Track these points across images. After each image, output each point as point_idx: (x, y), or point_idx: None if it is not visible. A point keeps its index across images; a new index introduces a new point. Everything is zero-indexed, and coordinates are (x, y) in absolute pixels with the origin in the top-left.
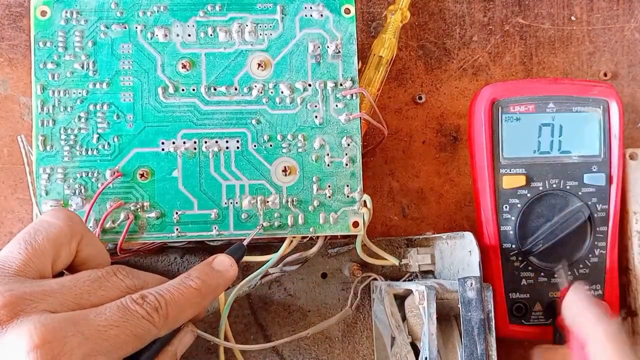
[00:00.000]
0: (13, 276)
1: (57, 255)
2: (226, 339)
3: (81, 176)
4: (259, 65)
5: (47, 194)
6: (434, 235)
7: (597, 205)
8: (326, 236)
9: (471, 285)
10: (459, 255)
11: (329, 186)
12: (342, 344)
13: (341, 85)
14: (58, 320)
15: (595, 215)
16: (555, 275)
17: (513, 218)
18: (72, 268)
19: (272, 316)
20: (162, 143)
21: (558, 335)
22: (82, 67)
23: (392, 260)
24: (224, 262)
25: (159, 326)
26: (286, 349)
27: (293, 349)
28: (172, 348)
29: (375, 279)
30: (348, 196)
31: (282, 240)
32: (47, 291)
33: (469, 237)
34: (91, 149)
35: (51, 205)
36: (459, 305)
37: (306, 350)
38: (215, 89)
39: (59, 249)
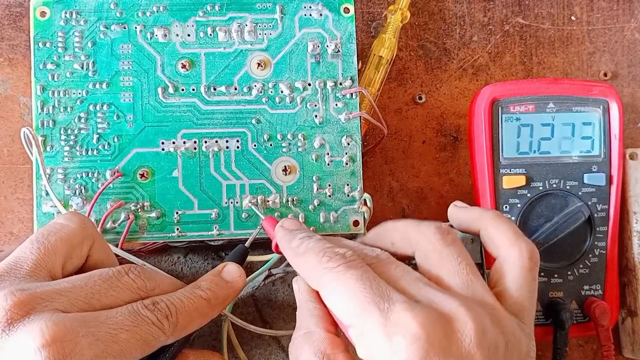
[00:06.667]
0: (25, 277)
1: (68, 256)
2: (228, 338)
3: (81, 176)
4: (259, 64)
5: (47, 194)
6: None
7: (597, 205)
8: (327, 235)
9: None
10: None
11: (329, 185)
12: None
13: (341, 84)
14: (70, 320)
15: (595, 215)
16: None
17: (513, 218)
18: (82, 272)
19: (276, 312)
20: (162, 143)
21: (558, 335)
22: (82, 68)
23: None
24: (232, 272)
25: (168, 333)
26: None
27: None
28: None
29: None
30: (348, 195)
31: None
32: (58, 290)
33: None
34: (91, 149)
35: (51, 206)
36: None
37: None
38: (215, 89)
39: (70, 251)
